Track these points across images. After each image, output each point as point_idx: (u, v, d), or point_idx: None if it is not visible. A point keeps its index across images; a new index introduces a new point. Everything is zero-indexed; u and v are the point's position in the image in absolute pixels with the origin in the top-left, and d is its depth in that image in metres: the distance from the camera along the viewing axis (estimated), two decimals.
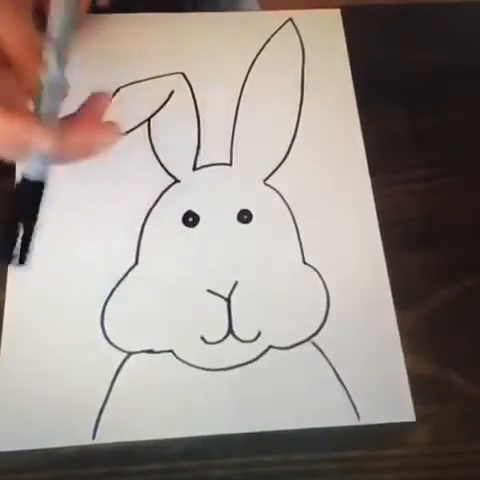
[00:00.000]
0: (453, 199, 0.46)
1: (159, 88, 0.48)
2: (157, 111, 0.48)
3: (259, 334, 0.42)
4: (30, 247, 0.36)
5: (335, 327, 0.42)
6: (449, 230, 0.46)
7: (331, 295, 0.43)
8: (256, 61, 0.50)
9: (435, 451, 0.40)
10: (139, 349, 0.41)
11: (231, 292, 0.43)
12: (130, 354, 0.41)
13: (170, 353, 0.41)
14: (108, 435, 0.39)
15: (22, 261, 0.36)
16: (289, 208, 0.46)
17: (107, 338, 0.42)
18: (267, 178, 0.47)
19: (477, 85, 0.50)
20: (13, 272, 0.43)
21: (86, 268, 0.43)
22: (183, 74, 0.49)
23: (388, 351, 0.42)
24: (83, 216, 0.45)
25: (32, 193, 0.36)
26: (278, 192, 0.46)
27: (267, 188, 0.46)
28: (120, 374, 0.41)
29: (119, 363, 0.41)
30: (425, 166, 0.47)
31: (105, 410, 0.40)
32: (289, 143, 0.48)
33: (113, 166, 0.46)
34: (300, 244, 0.45)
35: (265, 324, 0.42)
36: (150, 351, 0.41)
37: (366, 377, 0.41)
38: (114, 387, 0.40)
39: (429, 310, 0.43)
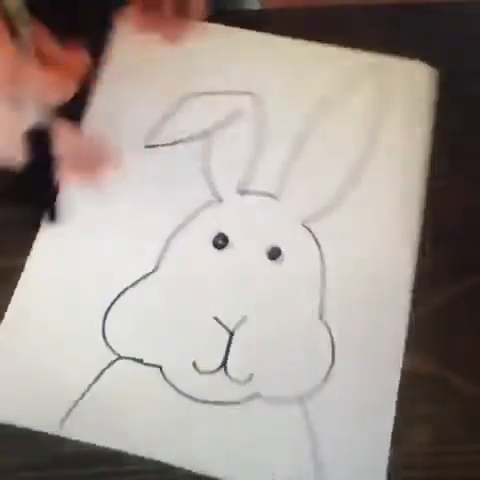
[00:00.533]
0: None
1: (227, 104, 0.48)
2: (218, 127, 0.47)
3: (250, 377, 0.41)
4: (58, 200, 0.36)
5: (331, 394, 0.40)
6: (450, 231, 0.45)
7: (336, 362, 0.41)
8: (331, 99, 0.48)
9: (435, 450, 0.40)
10: (130, 355, 0.41)
11: (237, 326, 0.42)
12: (119, 358, 0.41)
13: (158, 369, 0.41)
14: (75, 430, 0.39)
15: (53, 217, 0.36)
16: (322, 259, 0.44)
17: (104, 335, 0.42)
18: (309, 221, 0.45)
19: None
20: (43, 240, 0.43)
21: (107, 262, 0.43)
22: (254, 95, 0.48)
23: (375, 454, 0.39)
24: (118, 214, 0.45)
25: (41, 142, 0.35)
26: (316, 239, 0.44)
27: (306, 232, 0.45)
28: (104, 374, 0.41)
29: (106, 363, 0.41)
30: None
31: (79, 404, 0.40)
32: (342, 194, 0.46)
33: (161, 171, 0.46)
34: (321, 299, 0.43)
35: (260, 369, 0.41)
36: (139, 361, 0.41)
37: (345, 461, 0.39)
38: (94, 385, 0.40)
39: (429, 310, 0.43)
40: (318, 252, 0.44)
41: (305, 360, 0.41)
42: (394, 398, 0.40)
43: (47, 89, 0.33)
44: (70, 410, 0.40)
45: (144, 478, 0.39)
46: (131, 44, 0.49)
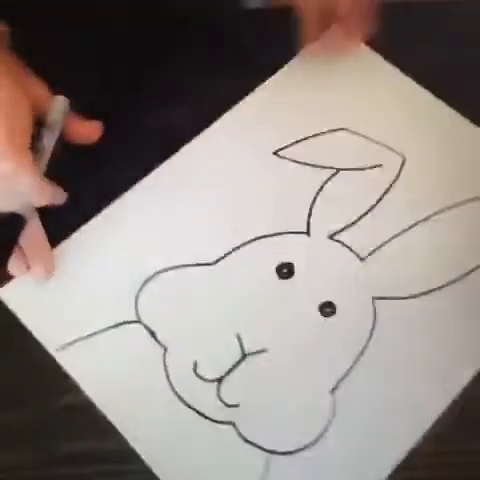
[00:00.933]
0: None
1: (373, 155, 0.47)
2: (350, 168, 0.47)
3: (238, 405, 0.39)
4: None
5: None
6: None
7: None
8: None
9: (436, 450, 0.39)
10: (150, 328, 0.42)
11: (252, 353, 0.40)
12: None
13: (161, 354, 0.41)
14: None
15: None
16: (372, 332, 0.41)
17: (137, 311, 0.43)
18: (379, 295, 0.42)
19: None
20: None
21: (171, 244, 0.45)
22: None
23: None
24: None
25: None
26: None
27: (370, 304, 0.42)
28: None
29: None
30: None
31: None
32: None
33: (277, 181, 0.47)
34: (348, 371, 0.40)
35: (252, 401, 0.39)
36: (152, 333, 0.41)
37: None
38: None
39: None
40: (371, 326, 0.41)
41: (295, 423, 0.39)
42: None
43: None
44: None
45: (144, 477, 0.38)
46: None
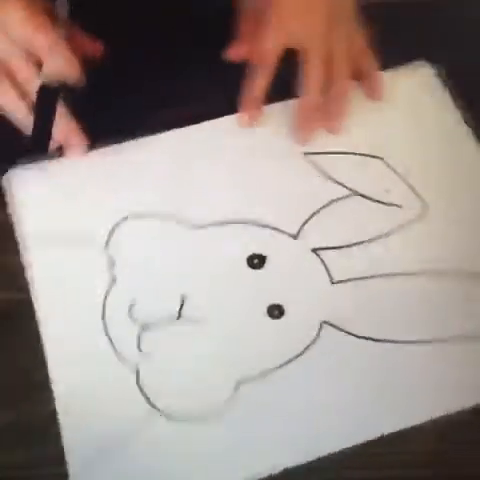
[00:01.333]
0: None
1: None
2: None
3: (149, 354, 0.40)
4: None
5: None
6: None
7: None
8: None
9: (437, 449, 0.39)
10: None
11: (187, 318, 0.41)
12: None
13: (110, 281, 0.43)
14: None
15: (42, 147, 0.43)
16: None
17: (109, 238, 0.45)
18: None
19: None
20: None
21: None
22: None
23: None
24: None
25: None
26: None
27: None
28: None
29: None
30: None
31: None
32: None
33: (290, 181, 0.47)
34: None
35: (163, 357, 0.40)
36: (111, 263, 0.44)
37: None
38: None
39: None
40: (306, 345, 0.41)
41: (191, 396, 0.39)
42: None
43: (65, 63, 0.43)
44: None
45: None
46: None
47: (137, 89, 0.49)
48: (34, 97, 0.43)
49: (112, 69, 0.46)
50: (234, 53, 0.49)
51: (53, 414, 0.39)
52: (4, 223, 0.44)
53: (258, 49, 0.47)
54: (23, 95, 0.44)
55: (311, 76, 0.47)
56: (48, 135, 0.43)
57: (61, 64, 0.43)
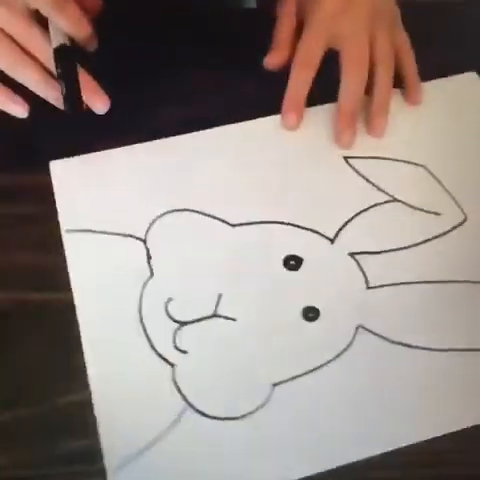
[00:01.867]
0: None
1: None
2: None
3: (186, 352, 0.41)
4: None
5: None
6: None
7: None
8: None
9: (436, 448, 0.38)
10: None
11: (222, 316, 0.42)
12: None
13: (147, 277, 0.43)
14: None
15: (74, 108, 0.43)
16: None
17: (147, 232, 0.45)
18: None
19: None
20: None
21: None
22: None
23: None
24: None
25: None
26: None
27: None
28: None
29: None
30: None
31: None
32: None
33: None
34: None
35: (200, 357, 0.40)
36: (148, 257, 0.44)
37: None
38: None
39: None
40: (342, 349, 0.41)
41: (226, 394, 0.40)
42: None
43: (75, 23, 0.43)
44: None
45: None
46: None
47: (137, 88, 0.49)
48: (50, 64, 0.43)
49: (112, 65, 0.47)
50: (274, 60, 0.49)
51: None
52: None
53: (301, 51, 0.47)
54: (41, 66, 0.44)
55: (352, 79, 0.47)
56: (79, 96, 0.43)
57: (70, 23, 0.43)
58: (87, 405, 0.39)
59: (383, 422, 0.39)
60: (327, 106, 0.50)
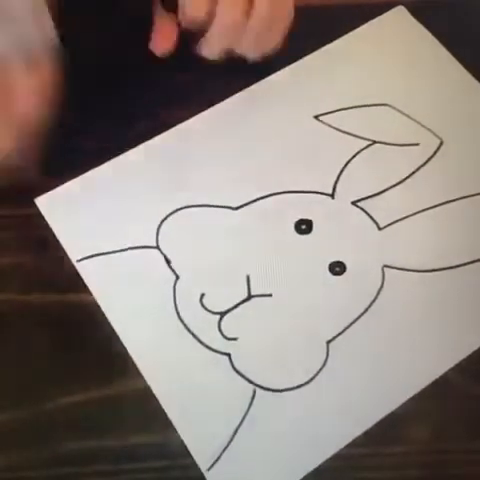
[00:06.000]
0: None
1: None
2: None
3: (236, 339, 0.41)
4: None
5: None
6: None
7: None
8: None
9: (435, 448, 0.39)
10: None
11: (258, 295, 0.42)
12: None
13: (173, 281, 0.43)
14: None
15: None
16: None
17: (158, 238, 0.45)
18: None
19: None
20: None
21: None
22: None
23: None
24: None
25: None
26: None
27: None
28: None
29: None
30: None
31: None
32: None
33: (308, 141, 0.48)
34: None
35: (250, 338, 0.41)
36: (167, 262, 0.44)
37: None
38: None
39: None
40: (376, 292, 0.43)
41: (287, 364, 0.40)
42: None
43: None
44: None
45: (145, 476, 0.38)
46: None
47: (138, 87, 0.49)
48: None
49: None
50: (160, 45, 0.44)
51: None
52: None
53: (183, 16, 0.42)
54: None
55: None
56: None
57: None
58: (87, 405, 0.39)
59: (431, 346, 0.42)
60: (286, 70, 0.51)
